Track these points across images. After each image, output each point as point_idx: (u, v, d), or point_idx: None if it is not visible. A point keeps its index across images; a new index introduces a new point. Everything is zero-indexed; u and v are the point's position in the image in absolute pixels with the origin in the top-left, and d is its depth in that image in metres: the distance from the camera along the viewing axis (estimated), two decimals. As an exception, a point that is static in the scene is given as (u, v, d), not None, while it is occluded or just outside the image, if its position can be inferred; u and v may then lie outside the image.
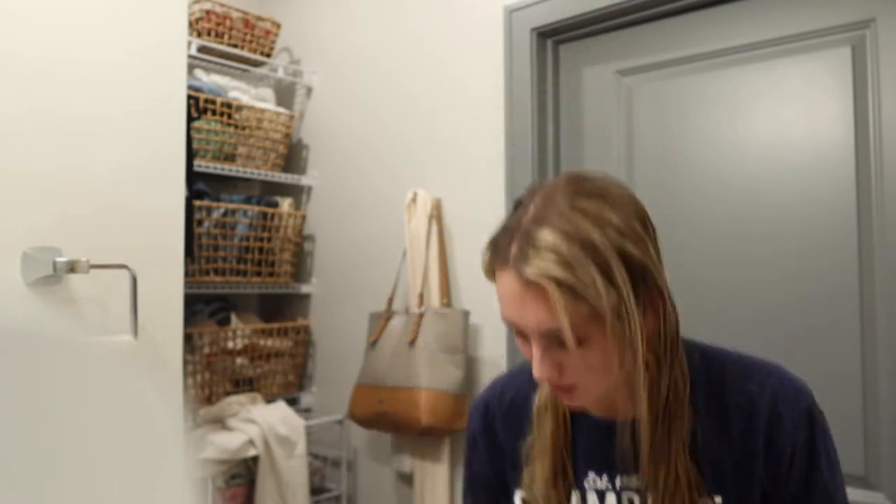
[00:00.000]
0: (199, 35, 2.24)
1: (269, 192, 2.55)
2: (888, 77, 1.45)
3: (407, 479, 2.13)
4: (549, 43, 1.92)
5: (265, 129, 2.33)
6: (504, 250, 0.78)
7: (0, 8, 1.18)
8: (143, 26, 1.36)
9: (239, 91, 2.32)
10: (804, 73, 1.55)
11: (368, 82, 2.30)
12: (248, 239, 2.23)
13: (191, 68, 2.25)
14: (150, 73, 1.37)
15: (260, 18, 2.37)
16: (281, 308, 2.54)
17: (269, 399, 2.25)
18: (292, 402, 2.38)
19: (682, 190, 1.71)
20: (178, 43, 1.41)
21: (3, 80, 1.19)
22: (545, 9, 1.85)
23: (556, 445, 0.86)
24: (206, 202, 2.15)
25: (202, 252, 2.13)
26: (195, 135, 2.14)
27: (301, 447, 2.10)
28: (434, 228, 2.01)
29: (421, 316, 1.92)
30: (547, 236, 0.73)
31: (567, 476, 0.86)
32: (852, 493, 1.47)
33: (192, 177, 1.96)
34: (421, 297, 1.97)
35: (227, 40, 2.29)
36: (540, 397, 0.89)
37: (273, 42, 2.43)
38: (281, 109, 2.39)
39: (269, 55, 2.42)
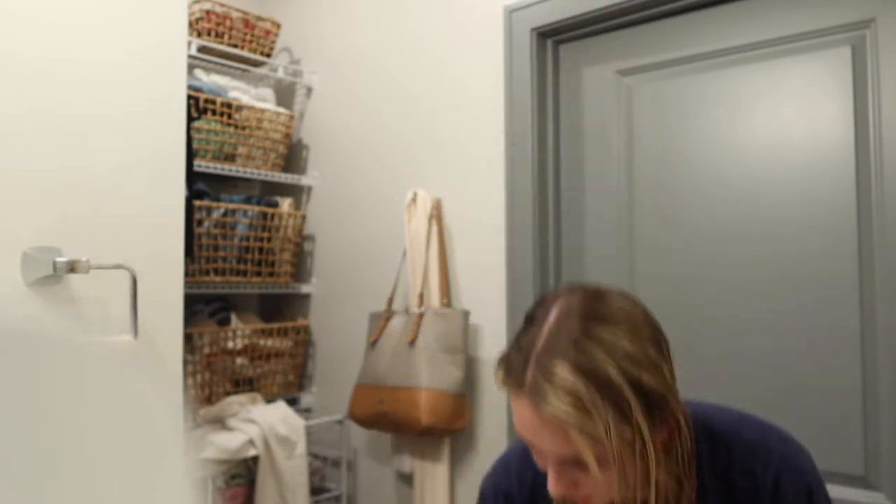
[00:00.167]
0: (199, 35, 2.24)
1: (269, 192, 2.55)
2: (888, 77, 1.45)
3: (407, 479, 2.14)
4: (549, 43, 1.92)
5: (265, 129, 2.33)
6: (518, 374, 0.79)
7: (0, 8, 1.18)
8: (143, 26, 1.36)
9: (239, 91, 2.32)
10: (804, 73, 1.55)
11: (368, 82, 2.30)
12: (248, 239, 2.23)
13: (191, 68, 2.25)
14: (150, 73, 1.37)
15: (260, 18, 2.37)
16: (281, 308, 2.54)
17: (269, 399, 2.25)
18: (292, 402, 2.38)
19: (682, 190, 1.71)
20: (178, 43, 1.41)
21: (4, 80, 1.19)
22: (545, 9, 1.85)
23: None
24: (206, 202, 2.15)
25: (202, 252, 2.13)
26: (195, 135, 2.14)
27: (301, 447, 2.10)
28: (434, 228, 2.01)
29: (421, 316, 1.92)
30: (563, 373, 0.75)
31: None
32: (852, 493, 1.47)
33: (192, 177, 1.96)
34: (421, 297, 1.97)
35: (227, 40, 2.29)
36: None
37: (273, 42, 2.43)
38: (281, 109, 2.39)
39: (269, 55, 2.42)
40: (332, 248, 2.40)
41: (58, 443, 0.34)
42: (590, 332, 0.77)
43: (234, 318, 2.33)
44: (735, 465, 0.88)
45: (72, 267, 1.18)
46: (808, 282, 1.53)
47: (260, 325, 2.32)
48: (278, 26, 2.44)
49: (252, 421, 2.06)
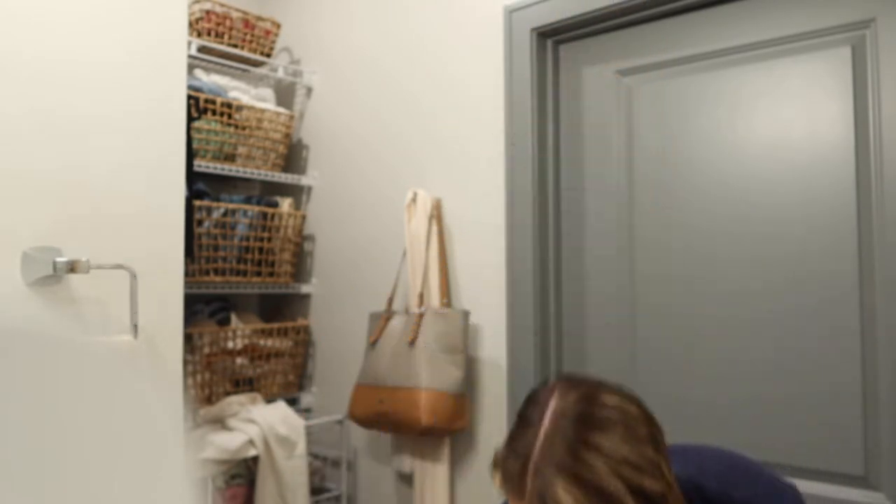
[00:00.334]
0: (199, 35, 2.24)
1: (269, 192, 2.55)
2: (888, 77, 1.45)
3: (407, 479, 2.14)
4: (549, 43, 1.92)
5: (265, 129, 2.33)
6: (517, 483, 0.79)
7: (0, 8, 1.18)
8: (143, 26, 1.36)
9: (239, 91, 2.32)
10: (804, 73, 1.55)
11: (368, 82, 2.30)
12: (248, 239, 2.23)
13: (191, 68, 2.25)
14: (150, 73, 1.37)
15: (260, 18, 2.37)
16: (281, 308, 2.54)
17: (269, 399, 2.25)
18: (292, 402, 2.38)
19: (682, 190, 1.71)
20: (178, 43, 1.41)
21: (4, 80, 1.19)
22: (545, 9, 1.85)
23: None
24: (206, 202, 2.15)
25: (202, 252, 2.13)
26: (195, 135, 2.14)
27: (301, 447, 2.10)
28: (434, 228, 2.01)
29: (421, 316, 1.92)
30: (563, 487, 0.75)
31: None
32: (852, 493, 1.47)
33: (192, 177, 1.96)
34: (421, 297, 1.97)
35: (227, 40, 2.29)
36: None
37: (273, 42, 2.43)
38: (281, 109, 2.39)
39: (269, 55, 2.42)
40: (332, 248, 2.40)
41: (58, 442, 0.34)
42: (587, 439, 0.77)
43: (234, 318, 2.33)
44: None
45: (72, 267, 1.18)
46: (808, 281, 1.53)
47: (260, 325, 2.32)
48: (278, 26, 2.44)
49: (252, 421, 2.06)
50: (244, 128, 2.27)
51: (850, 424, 1.47)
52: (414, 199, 2.03)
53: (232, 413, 2.08)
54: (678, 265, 1.71)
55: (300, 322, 2.42)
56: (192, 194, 2.08)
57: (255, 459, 2.06)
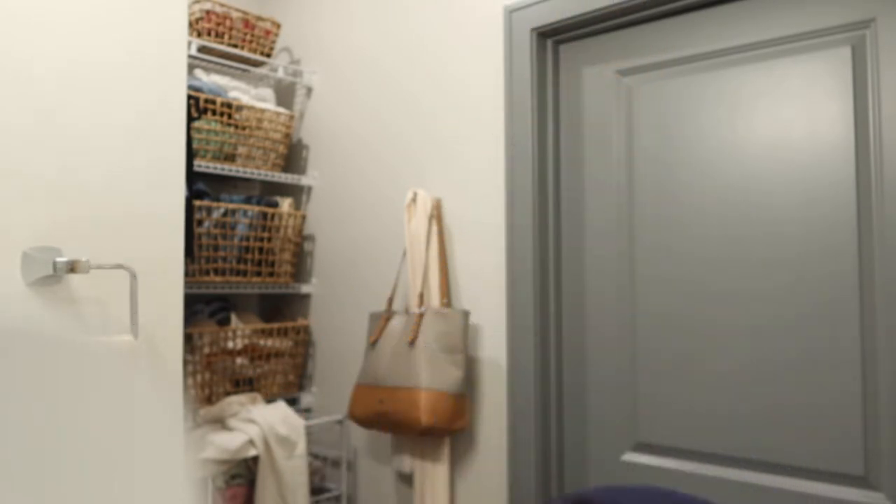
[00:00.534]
0: (199, 35, 2.24)
1: (269, 192, 2.55)
2: (888, 77, 1.45)
3: (407, 479, 2.14)
4: (549, 43, 1.92)
5: (265, 129, 2.33)
6: None
7: (0, 8, 1.18)
8: (143, 26, 1.36)
9: (239, 91, 2.32)
10: (804, 73, 1.55)
11: (368, 82, 2.30)
12: (248, 239, 2.23)
13: (191, 68, 2.25)
14: (150, 73, 1.37)
15: (260, 18, 2.37)
16: (281, 308, 2.54)
17: (269, 399, 2.25)
18: (292, 402, 2.38)
19: (682, 190, 1.71)
20: (178, 43, 1.41)
21: (4, 80, 1.19)
22: (545, 9, 1.85)
23: None
24: (206, 202, 2.15)
25: (202, 252, 2.13)
26: (195, 135, 2.14)
27: (301, 447, 2.10)
28: (434, 228, 2.01)
29: (421, 316, 1.92)
30: None
31: None
32: (852, 493, 1.47)
33: (192, 177, 1.96)
34: (421, 297, 1.97)
35: (227, 40, 2.29)
36: None
37: (273, 42, 2.43)
38: (281, 109, 2.39)
39: (269, 55, 2.42)
40: (332, 248, 2.40)
41: (58, 442, 0.34)
42: None
43: (234, 318, 2.33)
44: None
45: (72, 267, 1.18)
46: (807, 282, 1.53)
47: (260, 325, 2.32)
48: (278, 26, 2.44)
49: (252, 421, 2.06)
50: (244, 128, 2.27)
51: (850, 425, 1.47)
52: (414, 199, 2.03)
53: (232, 413, 2.08)
54: (677, 264, 1.71)
55: (300, 322, 2.42)
56: (192, 194, 2.08)
57: (255, 459, 2.06)
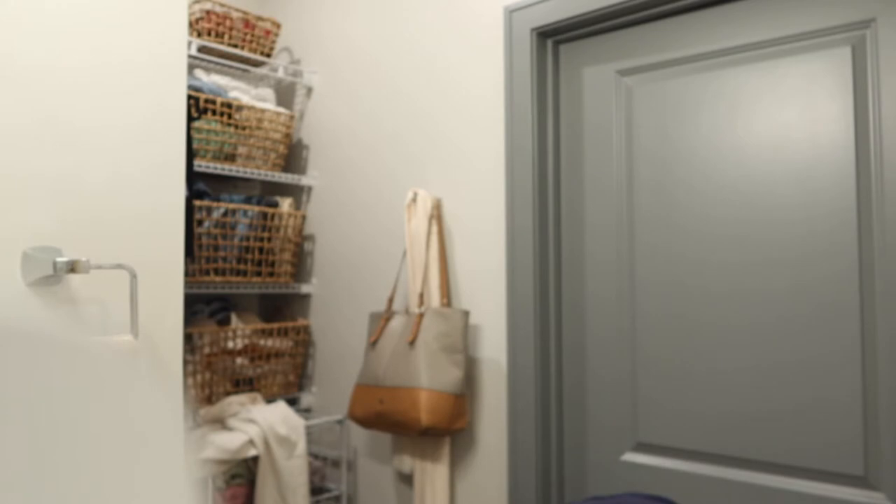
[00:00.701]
0: (199, 35, 2.24)
1: (269, 192, 2.56)
2: (888, 77, 1.45)
3: (407, 479, 2.14)
4: (549, 43, 1.92)
5: (265, 129, 2.33)
6: None
7: (0, 9, 1.18)
8: (143, 26, 1.36)
9: (239, 91, 2.32)
10: (804, 73, 1.55)
11: (368, 82, 2.30)
12: (248, 239, 2.23)
13: (191, 68, 2.25)
14: (151, 73, 1.37)
15: (260, 18, 2.37)
16: (281, 308, 2.54)
17: (269, 399, 2.25)
18: (292, 402, 2.38)
19: (682, 190, 1.71)
20: (178, 43, 1.41)
21: (4, 80, 1.19)
22: (545, 9, 1.85)
23: None
24: (206, 202, 2.15)
25: (202, 252, 2.13)
26: (195, 135, 2.14)
27: (301, 447, 2.10)
28: (434, 228, 2.01)
29: (421, 316, 1.92)
30: None
31: None
32: (852, 493, 1.47)
33: (192, 177, 1.96)
34: (421, 297, 1.97)
35: (228, 40, 2.29)
36: None
37: (273, 42, 2.43)
38: (281, 109, 2.39)
39: (269, 55, 2.42)
40: (332, 248, 2.40)
41: (58, 442, 0.34)
42: None
43: (234, 318, 2.33)
44: None
45: (72, 267, 1.18)
46: (807, 282, 1.53)
47: (260, 325, 2.32)
48: (278, 26, 2.44)
49: (252, 421, 2.06)
50: (244, 128, 2.27)
51: (850, 425, 1.47)
52: (414, 200, 2.03)
53: (232, 413, 2.08)
54: (677, 264, 1.71)
55: (300, 322, 2.42)
56: (193, 194, 2.08)
57: (255, 459, 2.06)
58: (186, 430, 1.99)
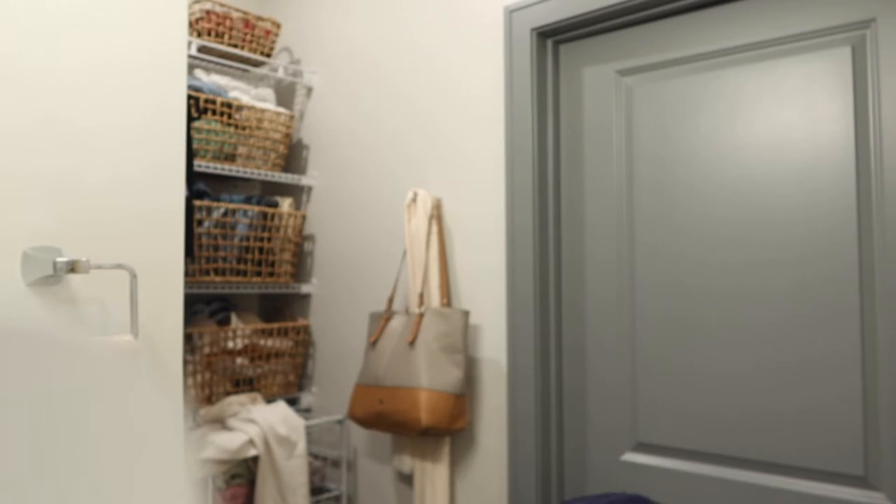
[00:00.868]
0: (199, 35, 2.24)
1: (269, 192, 2.56)
2: (888, 77, 1.45)
3: (407, 479, 2.14)
4: (549, 43, 1.92)
5: (265, 129, 2.33)
6: None
7: (0, 9, 1.18)
8: (144, 26, 1.36)
9: (239, 91, 2.32)
10: (804, 73, 1.55)
11: (368, 82, 2.30)
12: (248, 239, 2.23)
13: (191, 68, 2.25)
14: (151, 74, 1.37)
15: (260, 18, 2.37)
16: (281, 308, 2.54)
17: (269, 399, 2.25)
18: (292, 402, 2.38)
19: (682, 190, 1.71)
20: (178, 43, 1.41)
21: (4, 80, 1.19)
22: (545, 9, 1.85)
23: None
24: (206, 202, 2.15)
25: (202, 252, 2.13)
26: (195, 135, 2.14)
27: (301, 447, 2.10)
28: (434, 228, 2.01)
29: (421, 316, 1.92)
30: None
31: None
32: (852, 493, 1.47)
33: (192, 177, 1.96)
34: (421, 297, 1.97)
35: (228, 40, 2.29)
36: None
37: (273, 42, 2.43)
38: (281, 109, 2.39)
39: (269, 55, 2.42)
40: (332, 248, 2.40)
41: (58, 441, 0.34)
42: None
43: (234, 318, 2.33)
44: None
45: (72, 267, 1.18)
46: (807, 282, 1.53)
47: (260, 325, 2.32)
48: (278, 26, 2.44)
49: (252, 421, 2.06)
50: (244, 128, 2.27)
51: (850, 425, 1.47)
52: (414, 200, 2.03)
53: (232, 413, 2.08)
54: (677, 265, 1.71)
55: (300, 322, 2.42)
56: (193, 194, 2.08)
57: (256, 459, 2.06)
58: (186, 430, 1.99)
